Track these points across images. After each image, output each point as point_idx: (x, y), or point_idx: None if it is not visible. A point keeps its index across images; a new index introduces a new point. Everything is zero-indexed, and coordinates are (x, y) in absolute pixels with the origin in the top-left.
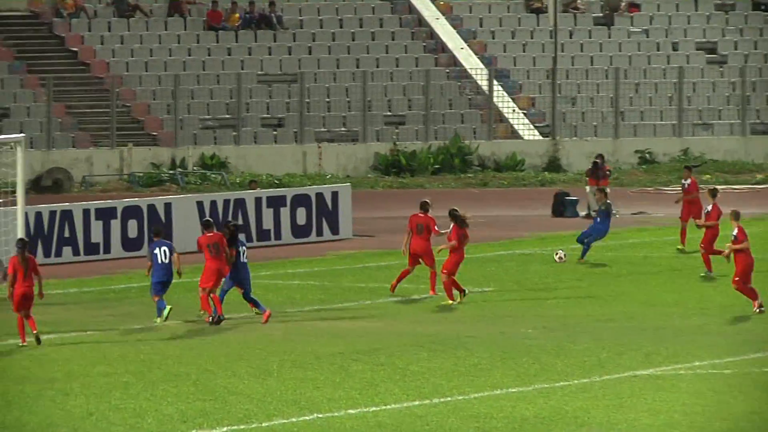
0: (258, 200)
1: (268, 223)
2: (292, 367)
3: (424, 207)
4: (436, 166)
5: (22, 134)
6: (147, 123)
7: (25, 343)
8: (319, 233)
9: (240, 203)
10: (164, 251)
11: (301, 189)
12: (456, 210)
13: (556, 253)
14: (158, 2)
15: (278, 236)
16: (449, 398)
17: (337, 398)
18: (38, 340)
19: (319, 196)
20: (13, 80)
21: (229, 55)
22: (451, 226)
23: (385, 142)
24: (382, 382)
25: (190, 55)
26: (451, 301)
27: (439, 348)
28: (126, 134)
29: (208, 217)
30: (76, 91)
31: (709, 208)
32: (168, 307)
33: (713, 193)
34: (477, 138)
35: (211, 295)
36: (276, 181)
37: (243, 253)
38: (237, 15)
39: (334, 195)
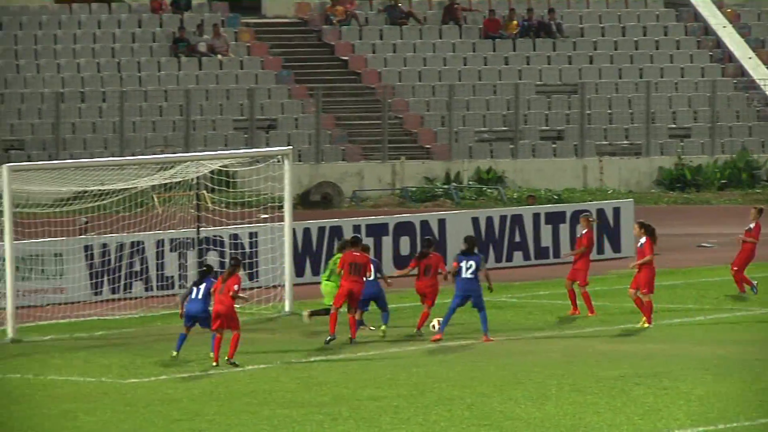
0: (536, 216)
1: (546, 240)
2: (571, 391)
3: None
4: (723, 181)
5: (290, 146)
6: (420, 135)
7: (216, 363)
8: (600, 251)
9: (517, 219)
10: None
11: (582, 205)
12: (645, 221)
13: (432, 325)
14: (433, 9)
15: (557, 254)
16: (735, 424)
17: (618, 424)
18: (232, 364)
19: (600, 212)
20: (281, 90)
21: (507, 64)
22: (644, 239)
23: (669, 155)
24: (665, 407)
25: (465, 65)
26: (648, 324)
27: (724, 371)
28: (398, 147)
29: (356, 234)
30: (346, 102)
31: (752, 225)
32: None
33: (760, 212)
34: (765, 152)
35: (350, 316)
36: (555, 197)
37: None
38: (515, 23)
39: (616, 211)
